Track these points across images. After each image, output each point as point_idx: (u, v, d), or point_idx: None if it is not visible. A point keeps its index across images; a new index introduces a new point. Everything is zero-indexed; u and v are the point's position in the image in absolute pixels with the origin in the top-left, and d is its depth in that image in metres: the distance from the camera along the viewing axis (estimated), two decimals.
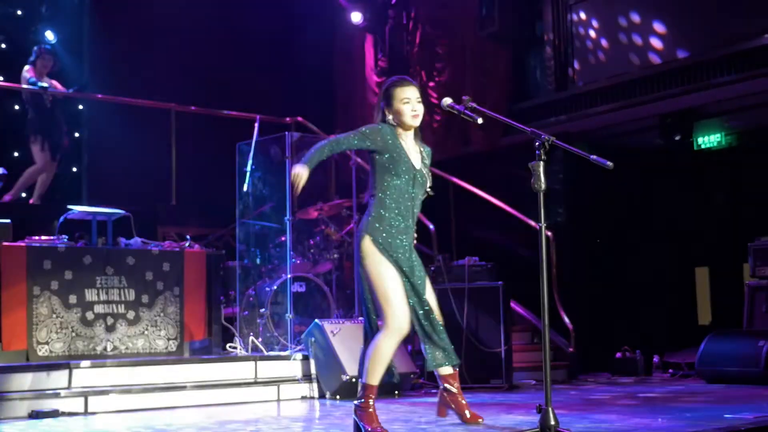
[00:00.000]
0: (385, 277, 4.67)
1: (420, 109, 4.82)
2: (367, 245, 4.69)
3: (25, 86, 9.52)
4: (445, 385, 4.95)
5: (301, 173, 4.67)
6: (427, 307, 4.76)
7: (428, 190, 4.85)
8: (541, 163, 4.16)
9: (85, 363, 6.42)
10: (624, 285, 9.77)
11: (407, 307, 4.69)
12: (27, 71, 9.54)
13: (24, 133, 9.67)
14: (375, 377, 4.69)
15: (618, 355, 8.87)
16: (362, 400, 4.70)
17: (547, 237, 4.23)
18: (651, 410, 5.76)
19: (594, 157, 4.21)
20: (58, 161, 9.72)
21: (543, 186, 4.17)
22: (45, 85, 9.38)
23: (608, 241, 9.87)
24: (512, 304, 8.30)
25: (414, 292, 4.73)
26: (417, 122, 4.84)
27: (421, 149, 4.91)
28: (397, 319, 4.64)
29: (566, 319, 8.77)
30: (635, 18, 9.26)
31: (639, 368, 8.72)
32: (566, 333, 8.81)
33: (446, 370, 4.92)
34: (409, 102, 4.80)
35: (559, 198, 9.67)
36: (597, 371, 8.99)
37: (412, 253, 4.78)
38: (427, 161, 4.91)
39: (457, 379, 4.98)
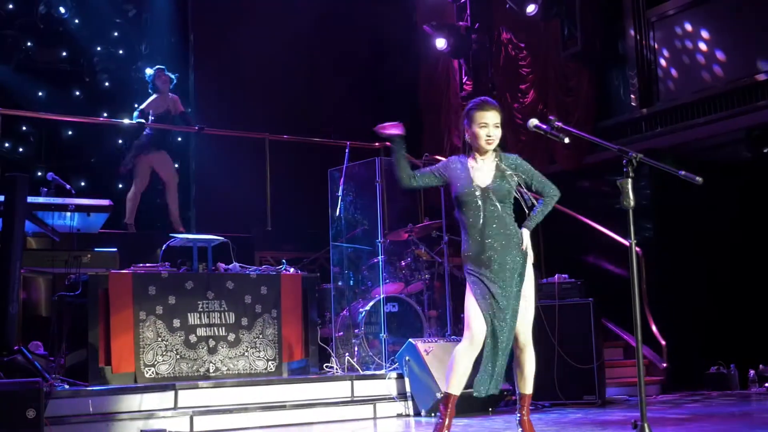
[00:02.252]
0: (468, 293, 4.90)
1: (495, 134, 4.94)
2: (464, 264, 4.96)
3: (126, 121, 9.91)
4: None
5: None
6: (493, 327, 4.87)
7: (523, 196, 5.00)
8: (629, 180, 4.20)
9: (190, 384, 6.66)
10: (715, 299, 9.66)
11: (482, 321, 4.85)
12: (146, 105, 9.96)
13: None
14: (452, 386, 4.91)
15: (712, 369, 8.79)
16: (440, 410, 4.93)
17: (636, 253, 4.29)
18: (748, 426, 5.72)
19: (683, 172, 4.24)
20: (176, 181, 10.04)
21: (632, 203, 4.21)
22: (142, 121, 9.74)
23: (698, 255, 9.80)
24: (602, 320, 8.32)
25: (494, 309, 4.86)
26: (489, 147, 4.97)
27: (500, 163, 5.00)
28: (469, 331, 4.85)
29: (658, 335, 8.75)
30: (717, 32, 9.24)
31: (733, 383, 8.64)
32: (658, 348, 8.78)
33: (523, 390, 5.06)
34: (486, 126, 4.94)
35: (646, 214, 9.66)
36: (690, 386, 8.90)
37: (501, 271, 4.89)
38: (510, 172, 5.00)
39: (524, 404, 5.05)
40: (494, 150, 5.02)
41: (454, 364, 4.90)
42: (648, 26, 9.89)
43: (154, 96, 9.89)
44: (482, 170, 4.99)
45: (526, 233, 4.97)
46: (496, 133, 4.96)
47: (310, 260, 9.85)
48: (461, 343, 4.94)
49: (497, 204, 4.93)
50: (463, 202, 4.97)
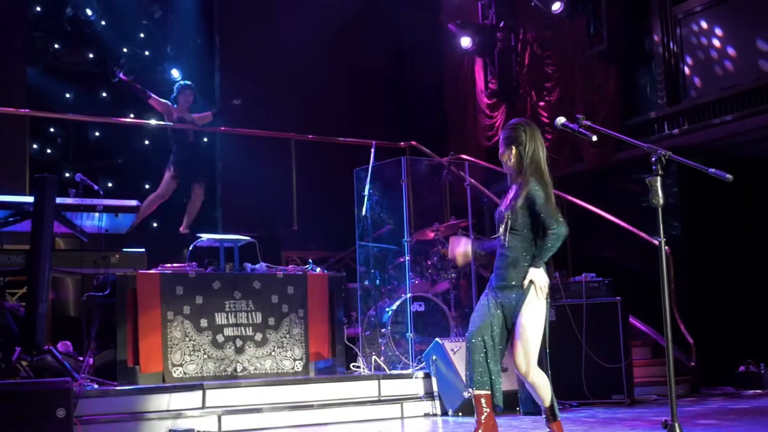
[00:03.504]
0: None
1: (500, 156, 4.93)
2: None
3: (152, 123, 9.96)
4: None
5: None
6: (493, 342, 4.81)
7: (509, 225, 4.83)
8: (659, 178, 4.17)
9: (218, 384, 6.69)
10: (745, 297, 9.60)
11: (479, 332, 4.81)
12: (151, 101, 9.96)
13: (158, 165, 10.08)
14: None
15: (741, 368, 8.74)
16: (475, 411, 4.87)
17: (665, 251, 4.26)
18: None
19: (713, 170, 4.20)
20: (203, 190, 10.04)
21: (661, 201, 4.17)
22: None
23: (726, 253, 9.74)
24: (630, 319, 8.28)
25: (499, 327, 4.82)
26: (503, 165, 4.97)
27: (518, 188, 4.85)
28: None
29: (686, 333, 8.70)
30: (745, 28, 9.17)
31: (763, 381, 8.58)
32: (687, 347, 8.73)
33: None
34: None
35: (674, 212, 9.61)
36: (719, 385, 8.86)
37: (507, 292, 4.78)
38: (521, 200, 4.79)
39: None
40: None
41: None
42: (674, 23, 9.83)
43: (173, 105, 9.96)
44: (507, 194, 5.03)
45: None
46: (500, 154, 4.96)
47: (337, 260, 9.87)
48: None
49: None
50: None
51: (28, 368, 6.16)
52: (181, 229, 9.83)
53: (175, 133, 9.80)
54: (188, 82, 10.01)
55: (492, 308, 4.77)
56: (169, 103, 9.78)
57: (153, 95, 9.67)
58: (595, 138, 4.71)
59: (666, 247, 4.23)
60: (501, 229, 4.83)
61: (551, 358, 5.01)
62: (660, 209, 4.21)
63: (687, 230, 9.67)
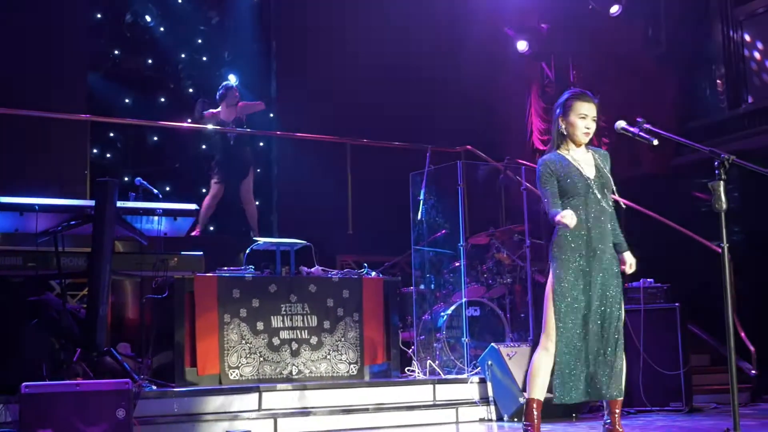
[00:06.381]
0: (551, 297, 4.82)
1: (593, 127, 4.95)
2: (552, 269, 4.89)
3: (207, 126, 10.08)
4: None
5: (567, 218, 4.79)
6: (586, 330, 4.81)
7: (614, 191, 4.95)
8: (722, 182, 4.13)
9: (274, 386, 6.70)
10: None
11: (568, 327, 4.79)
12: (207, 114, 10.11)
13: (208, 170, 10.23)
14: (534, 391, 4.87)
15: None
16: (525, 416, 4.91)
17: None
18: None
19: None
20: (252, 195, 10.16)
21: (724, 206, 4.12)
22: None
23: None
24: (688, 326, 8.16)
25: (586, 311, 4.80)
26: (586, 140, 4.98)
27: (595, 155, 5.01)
28: (549, 337, 4.79)
29: (747, 341, 8.55)
30: None
31: None
32: (747, 355, 8.57)
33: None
34: (585, 118, 4.94)
35: (735, 217, 9.45)
36: None
37: (596, 274, 4.84)
38: (607, 166, 5.01)
39: (614, 408, 4.97)
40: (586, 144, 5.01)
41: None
42: (736, 26, 9.68)
43: (219, 109, 10.08)
44: (584, 162, 4.97)
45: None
46: (593, 127, 4.97)
47: (392, 264, 9.87)
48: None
49: (599, 196, 4.91)
50: (574, 195, 4.91)
51: (88, 369, 6.26)
52: (252, 235, 9.91)
53: (216, 137, 9.92)
54: (230, 83, 10.10)
55: None
56: (214, 111, 9.92)
57: (206, 112, 9.86)
58: (656, 142, 4.67)
59: (727, 253, 4.16)
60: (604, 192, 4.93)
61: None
62: (723, 214, 4.15)
63: (748, 236, 9.51)
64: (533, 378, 4.91)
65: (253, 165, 10.42)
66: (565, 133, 4.99)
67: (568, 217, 4.71)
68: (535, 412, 4.91)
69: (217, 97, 10.14)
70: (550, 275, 4.91)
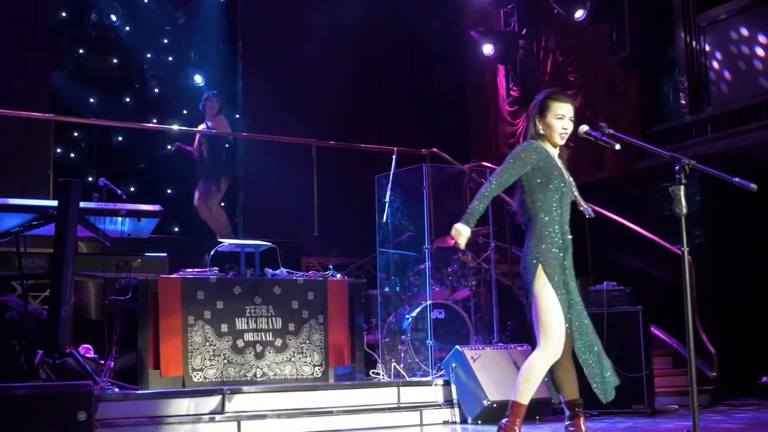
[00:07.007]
0: (549, 297, 4.74)
1: (570, 128, 4.83)
2: (539, 270, 4.76)
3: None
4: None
5: (462, 233, 4.73)
6: (578, 332, 4.80)
7: (576, 195, 4.90)
8: (682, 187, 4.16)
9: (238, 389, 6.68)
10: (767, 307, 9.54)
11: (563, 330, 4.75)
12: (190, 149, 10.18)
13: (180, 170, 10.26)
14: (524, 396, 4.77)
15: (764, 379, 8.66)
16: (508, 419, 4.79)
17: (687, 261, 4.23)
18: None
19: (737, 179, 4.19)
20: (219, 202, 10.18)
21: (684, 210, 4.16)
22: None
23: (748, 263, 9.67)
24: (651, 328, 8.23)
25: (573, 314, 4.79)
26: (562, 141, 4.87)
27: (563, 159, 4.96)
28: (553, 342, 4.72)
29: (708, 343, 8.64)
30: None
31: None
32: (708, 357, 8.67)
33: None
34: (563, 119, 4.81)
35: (696, 221, 9.55)
36: (741, 396, 8.78)
37: (573, 273, 4.85)
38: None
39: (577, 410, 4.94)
40: (560, 149, 4.94)
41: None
42: (698, 31, 9.77)
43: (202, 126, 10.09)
44: (561, 164, 4.89)
45: None
46: (570, 127, 4.84)
47: (357, 266, 9.87)
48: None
49: (572, 198, 4.91)
50: (557, 194, 4.81)
51: (50, 371, 6.20)
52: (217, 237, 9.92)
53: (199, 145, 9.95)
54: (213, 93, 10.10)
55: None
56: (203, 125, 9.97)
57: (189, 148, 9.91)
58: (618, 146, 4.69)
59: (688, 257, 4.21)
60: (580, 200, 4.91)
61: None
62: (683, 218, 4.19)
63: (710, 239, 9.61)
64: (527, 382, 4.76)
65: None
66: (542, 132, 4.86)
67: (462, 237, 4.71)
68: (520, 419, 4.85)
69: (200, 107, 10.13)
70: (538, 276, 4.75)
